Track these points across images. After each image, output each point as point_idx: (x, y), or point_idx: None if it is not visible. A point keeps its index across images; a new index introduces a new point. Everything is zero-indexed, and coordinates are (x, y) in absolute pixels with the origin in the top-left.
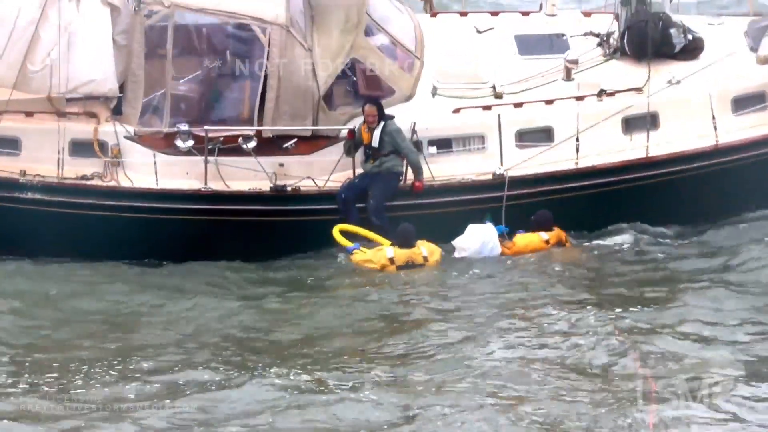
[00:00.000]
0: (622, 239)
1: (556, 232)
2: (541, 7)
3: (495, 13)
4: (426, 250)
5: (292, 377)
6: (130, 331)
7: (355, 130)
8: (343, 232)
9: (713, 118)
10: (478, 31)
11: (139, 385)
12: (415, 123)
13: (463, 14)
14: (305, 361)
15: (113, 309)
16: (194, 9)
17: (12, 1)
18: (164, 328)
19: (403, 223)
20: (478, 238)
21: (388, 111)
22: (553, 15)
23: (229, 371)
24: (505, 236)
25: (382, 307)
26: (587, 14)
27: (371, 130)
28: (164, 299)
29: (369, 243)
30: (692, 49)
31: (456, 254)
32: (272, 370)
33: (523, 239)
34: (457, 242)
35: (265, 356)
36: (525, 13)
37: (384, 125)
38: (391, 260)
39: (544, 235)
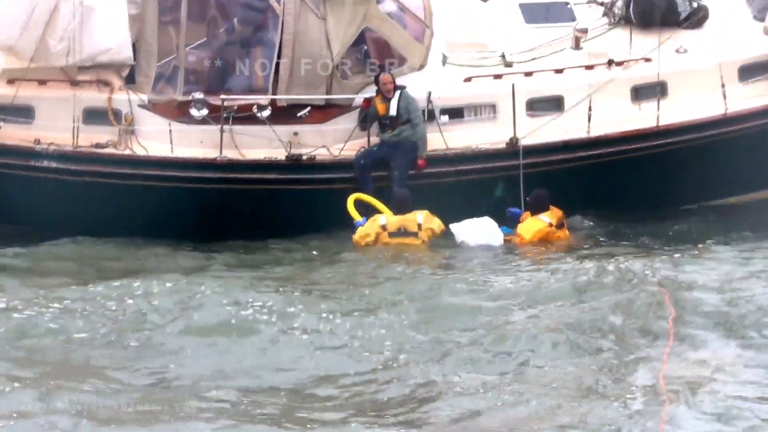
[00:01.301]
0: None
1: (555, 212)
2: None
3: None
4: (422, 217)
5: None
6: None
7: (371, 99)
8: (356, 204)
9: (722, 86)
10: (483, 0)
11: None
12: (431, 93)
13: None
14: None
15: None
16: None
17: None
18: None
19: (401, 189)
20: (473, 233)
21: (400, 80)
22: None
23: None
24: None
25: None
26: None
27: (387, 101)
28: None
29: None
30: (697, 18)
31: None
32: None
33: (527, 229)
34: (454, 230)
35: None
36: None
37: (400, 93)
38: (384, 227)
39: (545, 218)
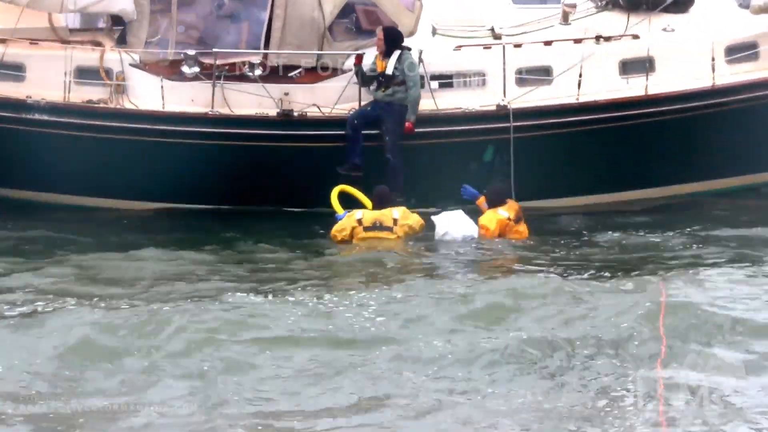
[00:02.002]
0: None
1: (512, 206)
2: None
3: None
4: (398, 213)
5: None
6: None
7: (363, 55)
8: (339, 196)
9: (710, 62)
10: None
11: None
12: (421, 51)
13: None
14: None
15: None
16: None
17: None
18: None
19: (380, 185)
20: (446, 226)
21: None
22: None
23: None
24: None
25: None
26: None
27: (385, 58)
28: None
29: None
30: (683, 2)
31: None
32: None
33: (489, 220)
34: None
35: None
36: None
37: (401, 54)
38: (359, 221)
39: (503, 213)
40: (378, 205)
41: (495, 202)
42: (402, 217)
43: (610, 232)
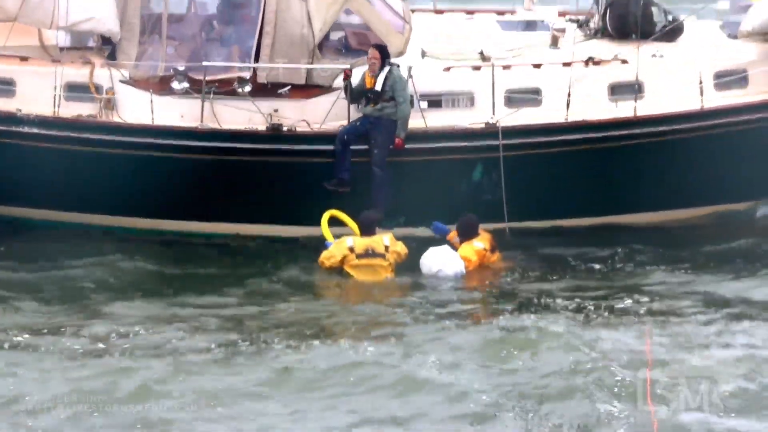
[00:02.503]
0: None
1: (485, 236)
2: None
3: (470, 12)
4: (388, 239)
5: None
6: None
7: (352, 69)
8: (329, 221)
9: (700, 83)
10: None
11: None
12: (411, 67)
13: (439, 12)
14: None
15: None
16: None
17: None
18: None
19: (366, 210)
20: (440, 264)
21: None
22: (530, 10)
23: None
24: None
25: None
26: (563, 14)
27: (375, 76)
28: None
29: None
30: (672, 31)
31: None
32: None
33: (471, 253)
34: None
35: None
36: (501, 12)
37: (389, 70)
38: (351, 249)
39: (479, 245)
40: (366, 230)
41: (468, 235)
42: (391, 243)
43: (598, 259)
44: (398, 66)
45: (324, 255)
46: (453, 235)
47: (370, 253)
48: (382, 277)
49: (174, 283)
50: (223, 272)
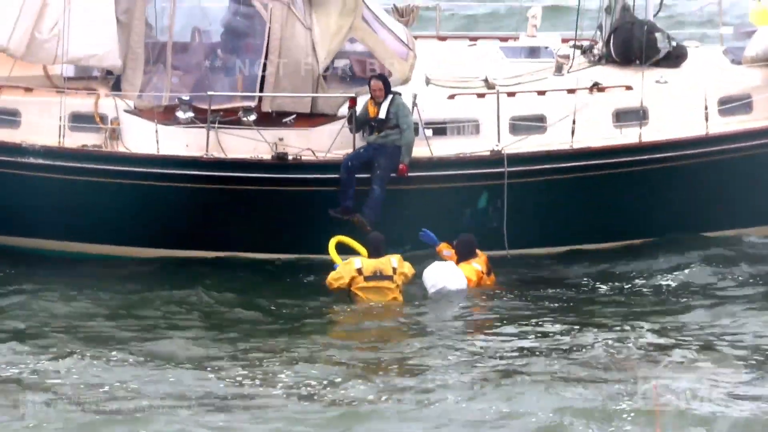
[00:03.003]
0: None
1: (483, 258)
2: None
3: (474, 39)
4: (396, 261)
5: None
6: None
7: (357, 97)
8: (337, 247)
9: (705, 108)
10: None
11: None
12: (416, 95)
13: (442, 39)
14: None
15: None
16: None
17: None
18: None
19: (374, 231)
20: (444, 280)
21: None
22: (533, 36)
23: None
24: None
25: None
26: (566, 40)
27: (378, 105)
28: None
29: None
30: (676, 56)
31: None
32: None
33: (472, 272)
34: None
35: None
36: (503, 39)
37: (392, 98)
38: (359, 271)
39: (477, 266)
40: (374, 252)
41: (466, 255)
42: (399, 265)
43: (604, 286)
44: (401, 94)
45: (332, 276)
46: (442, 247)
47: (378, 276)
48: (389, 298)
49: (180, 308)
50: (227, 297)
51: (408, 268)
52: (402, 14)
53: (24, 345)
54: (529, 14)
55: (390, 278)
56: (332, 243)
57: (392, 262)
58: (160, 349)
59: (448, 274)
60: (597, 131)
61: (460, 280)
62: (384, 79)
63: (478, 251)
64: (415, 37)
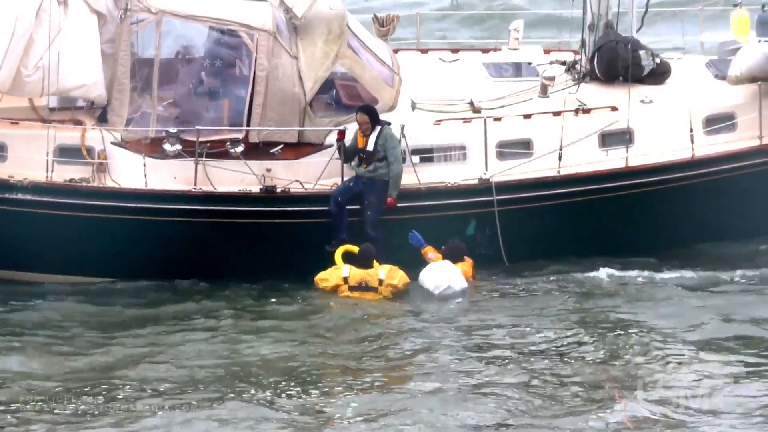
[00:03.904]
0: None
1: (469, 262)
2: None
3: (455, 50)
4: (384, 273)
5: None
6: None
7: (345, 130)
8: (344, 256)
9: (691, 130)
10: (444, 61)
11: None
12: (404, 126)
13: (424, 51)
14: None
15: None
16: (182, 16)
17: (11, 9)
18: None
19: (365, 243)
20: (448, 280)
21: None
22: (515, 49)
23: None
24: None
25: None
26: (547, 51)
27: (366, 136)
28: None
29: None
30: (660, 73)
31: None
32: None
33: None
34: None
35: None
36: (485, 51)
37: (381, 130)
38: (345, 279)
39: (465, 268)
40: (364, 264)
41: (456, 259)
42: (388, 277)
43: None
44: (389, 124)
45: (320, 275)
46: (427, 250)
47: (363, 286)
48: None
49: (183, 324)
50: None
51: (400, 279)
52: (382, 24)
53: None
54: (511, 27)
55: (375, 290)
56: (339, 252)
57: (380, 273)
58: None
59: (450, 273)
60: (583, 154)
61: (462, 279)
62: (370, 111)
63: (466, 258)
64: (396, 50)
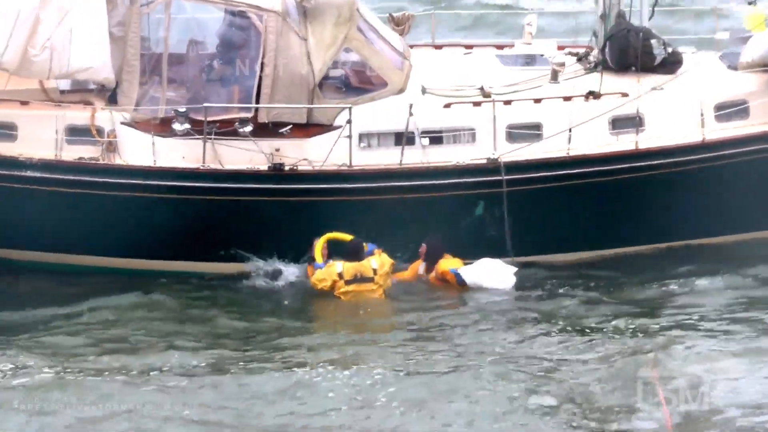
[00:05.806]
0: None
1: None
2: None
3: (469, 47)
4: (376, 262)
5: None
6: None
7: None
8: (329, 243)
9: (699, 120)
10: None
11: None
12: (411, 105)
13: (437, 47)
14: None
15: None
16: None
17: None
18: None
19: (354, 238)
20: (504, 277)
21: (380, 103)
22: (528, 44)
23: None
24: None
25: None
26: (561, 47)
27: None
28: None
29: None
30: (671, 63)
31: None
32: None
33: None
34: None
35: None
36: (499, 47)
37: None
38: (340, 275)
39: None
40: (354, 257)
41: (436, 257)
42: (380, 265)
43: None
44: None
45: (316, 277)
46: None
47: (359, 278)
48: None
49: (181, 318)
50: (224, 307)
51: (388, 266)
52: (398, 23)
53: None
54: (524, 22)
55: (371, 280)
56: (322, 240)
57: (372, 263)
58: (162, 359)
59: (500, 271)
60: (593, 138)
61: (510, 274)
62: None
63: (445, 254)
64: (411, 46)
